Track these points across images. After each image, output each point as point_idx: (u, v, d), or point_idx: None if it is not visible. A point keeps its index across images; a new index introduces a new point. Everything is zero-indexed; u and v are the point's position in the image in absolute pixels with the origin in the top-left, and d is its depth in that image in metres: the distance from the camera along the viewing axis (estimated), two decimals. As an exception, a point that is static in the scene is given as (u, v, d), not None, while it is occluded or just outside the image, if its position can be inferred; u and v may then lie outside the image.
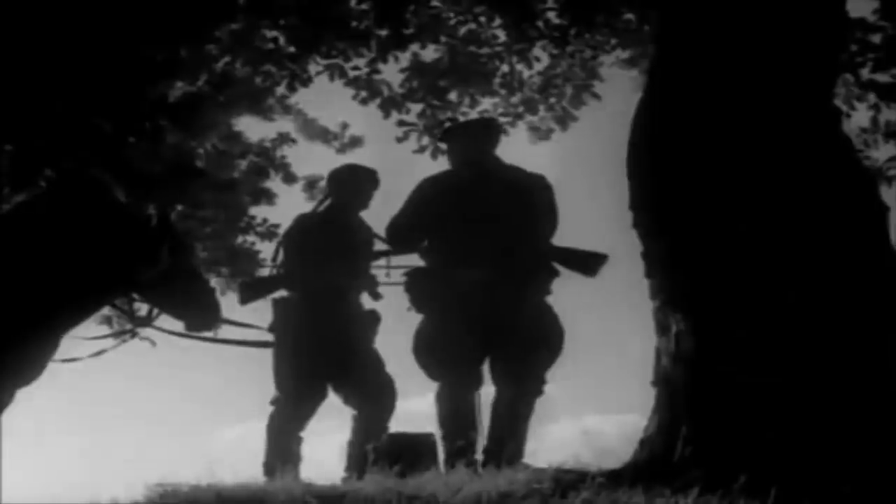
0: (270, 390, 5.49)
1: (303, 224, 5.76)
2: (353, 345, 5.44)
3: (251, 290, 5.79)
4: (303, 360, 5.34)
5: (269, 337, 5.44)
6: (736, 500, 3.15)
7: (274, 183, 9.57)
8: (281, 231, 7.59)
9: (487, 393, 5.12)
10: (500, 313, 4.98)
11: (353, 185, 5.70)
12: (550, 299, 5.21)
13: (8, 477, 4.52)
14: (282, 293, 5.62)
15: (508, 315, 4.98)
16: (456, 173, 5.35)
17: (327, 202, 5.74)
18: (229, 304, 5.90)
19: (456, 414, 4.98)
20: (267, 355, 5.42)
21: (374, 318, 5.57)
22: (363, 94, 7.91)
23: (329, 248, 5.47)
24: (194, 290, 4.52)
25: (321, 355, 5.33)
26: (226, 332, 4.94)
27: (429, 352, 5.08)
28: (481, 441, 4.99)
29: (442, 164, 7.84)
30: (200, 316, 4.57)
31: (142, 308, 4.57)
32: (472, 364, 5.05)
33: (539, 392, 5.04)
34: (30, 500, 4.71)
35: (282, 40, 7.72)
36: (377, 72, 7.87)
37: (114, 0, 6.64)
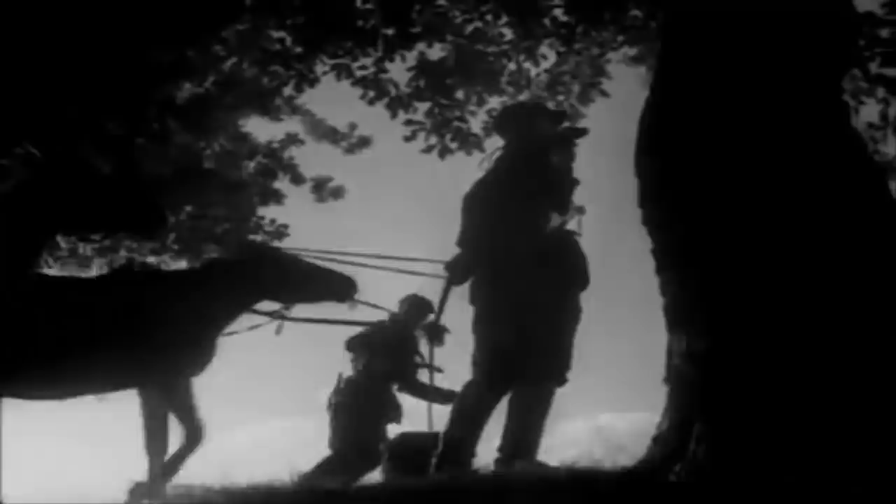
0: (288, 393, 5.96)
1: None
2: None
3: None
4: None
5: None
6: (749, 498, 3.14)
7: (282, 184, 9.61)
8: (290, 231, 9.13)
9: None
10: (555, 305, 4.91)
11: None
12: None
13: (26, 476, 4.54)
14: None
15: (561, 306, 4.93)
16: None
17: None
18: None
19: (477, 414, 4.91)
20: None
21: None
22: (370, 93, 7.92)
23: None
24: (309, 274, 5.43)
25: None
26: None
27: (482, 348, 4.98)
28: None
29: (448, 164, 7.94)
30: (334, 288, 5.44)
31: None
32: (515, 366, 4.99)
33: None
34: (45, 500, 4.73)
35: (288, 41, 7.74)
36: (384, 71, 7.88)
37: (121, 2, 6.65)
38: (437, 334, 5.59)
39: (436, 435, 5.15)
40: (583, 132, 5.32)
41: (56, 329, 4.67)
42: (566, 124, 5.58)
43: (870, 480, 3.22)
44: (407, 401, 6.78)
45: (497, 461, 4.69)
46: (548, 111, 5.92)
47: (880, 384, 3.46)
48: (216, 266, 5.49)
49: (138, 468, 4.83)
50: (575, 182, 5.21)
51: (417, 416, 5.98)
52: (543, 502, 3.25)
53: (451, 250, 5.22)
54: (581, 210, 5.13)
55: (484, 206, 5.07)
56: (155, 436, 4.97)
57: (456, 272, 5.18)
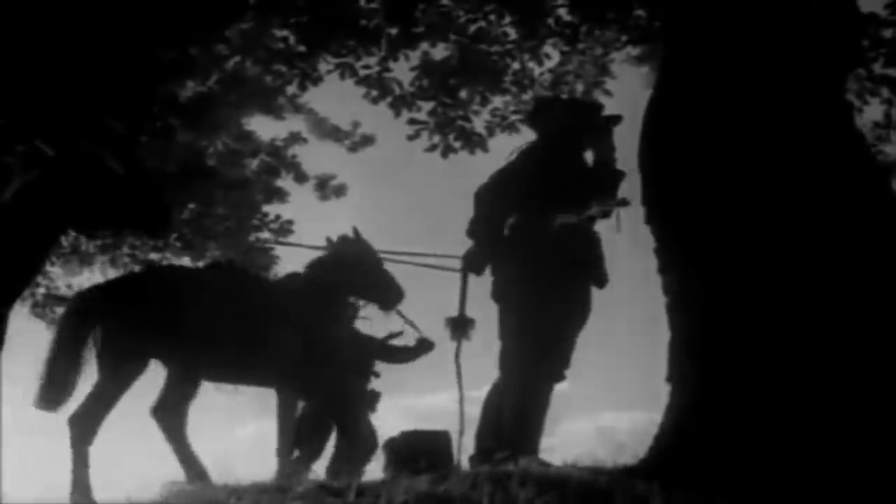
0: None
1: None
2: None
3: None
4: None
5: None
6: (749, 496, 3.14)
7: (285, 182, 9.62)
8: (295, 229, 9.22)
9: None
10: (557, 301, 4.88)
11: None
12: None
13: (27, 475, 4.55)
14: None
15: (566, 304, 4.90)
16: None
17: None
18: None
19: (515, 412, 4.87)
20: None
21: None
22: (374, 92, 7.92)
23: None
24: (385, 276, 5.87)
25: None
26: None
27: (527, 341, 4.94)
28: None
29: (448, 165, 7.95)
30: (385, 294, 5.84)
31: None
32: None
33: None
34: (44, 498, 4.73)
35: (292, 39, 7.75)
36: (387, 70, 7.89)
37: (126, 1, 6.66)
38: (462, 327, 5.41)
39: (444, 433, 5.15)
40: (617, 119, 5.15)
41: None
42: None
43: (869, 478, 3.22)
44: (436, 402, 6.80)
45: (496, 459, 4.66)
46: (581, 103, 5.83)
47: (880, 383, 3.46)
48: (334, 268, 5.76)
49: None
50: (619, 175, 5.04)
51: (449, 417, 5.91)
52: (545, 501, 3.25)
53: (464, 243, 5.22)
54: (622, 202, 4.93)
55: (496, 198, 5.03)
56: (311, 436, 5.58)
57: (471, 263, 5.17)
